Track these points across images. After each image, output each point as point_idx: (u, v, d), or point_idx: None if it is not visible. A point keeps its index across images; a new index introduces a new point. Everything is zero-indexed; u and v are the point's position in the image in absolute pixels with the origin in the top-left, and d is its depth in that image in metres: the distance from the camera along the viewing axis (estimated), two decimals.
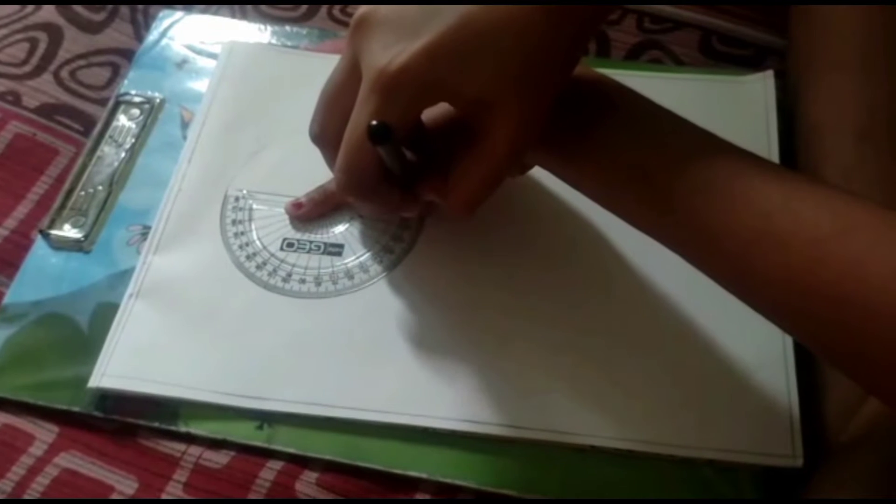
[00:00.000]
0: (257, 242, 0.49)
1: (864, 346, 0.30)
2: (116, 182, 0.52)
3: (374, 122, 0.34)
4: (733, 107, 0.52)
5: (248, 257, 0.49)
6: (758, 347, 0.44)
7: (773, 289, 0.33)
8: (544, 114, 0.37)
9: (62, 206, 0.51)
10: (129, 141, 0.54)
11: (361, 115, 0.36)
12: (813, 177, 0.36)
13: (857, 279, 0.30)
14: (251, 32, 0.59)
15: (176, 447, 0.44)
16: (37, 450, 0.44)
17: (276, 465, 0.43)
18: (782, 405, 0.42)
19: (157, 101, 0.55)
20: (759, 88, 0.53)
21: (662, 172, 0.35)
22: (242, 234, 0.50)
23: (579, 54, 0.37)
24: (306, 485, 0.43)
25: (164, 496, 0.42)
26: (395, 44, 0.34)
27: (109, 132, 0.54)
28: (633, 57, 0.58)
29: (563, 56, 0.36)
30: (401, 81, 0.34)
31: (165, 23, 0.59)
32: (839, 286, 0.30)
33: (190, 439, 0.44)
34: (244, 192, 0.51)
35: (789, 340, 0.44)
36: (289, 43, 0.58)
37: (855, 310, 0.30)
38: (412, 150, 0.40)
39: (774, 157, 0.50)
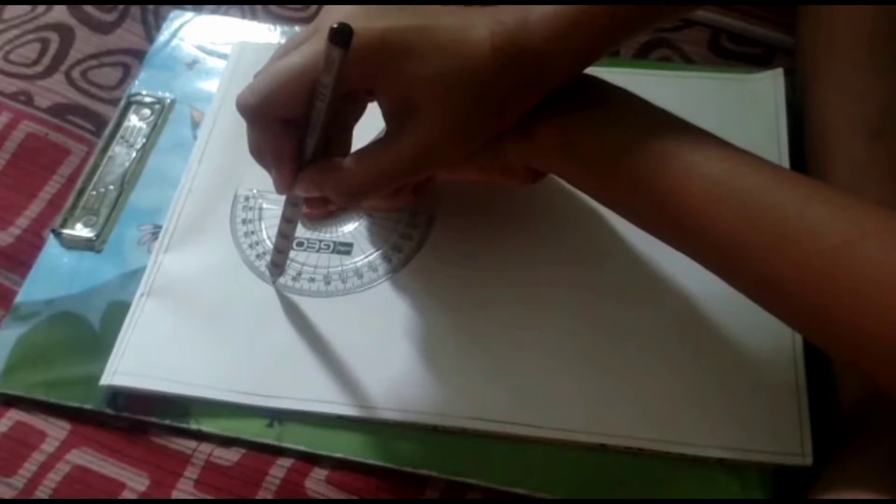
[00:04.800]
0: (267, 241, 0.50)
1: (881, 348, 0.31)
2: (128, 182, 0.53)
3: (338, 23, 0.34)
4: (743, 105, 0.52)
5: (258, 256, 0.49)
6: (767, 346, 0.43)
7: (790, 294, 0.33)
8: (465, 143, 0.37)
9: (74, 206, 0.52)
10: (140, 141, 0.54)
11: (302, 51, 0.36)
12: (825, 184, 0.37)
13: (873, 284, 0.31)
14: (261, 33, 0.59)
15: (187, 444, 0.44)
16: (49, 447, 0.44)
17: (287, 462, 0.43)
18: (792, 404, 0.42)
19: (168, 101, 0.56)
20: (769, 86, 0.53)
21: (666, 178, 0.36)
22: (252, 233, 0.50)
23: (521, 106, 0.37)
24: (316, 482, 0.43)
25: (174, 493, 0.43)
26: (358, 20, 0.35)
27: (121, 132, 0.55)
28: (643, 55, 0.58)
29: (501, 97, 0.36)
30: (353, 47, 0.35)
31: (176, 23, 0.60)
32: (855, 291, 0.31)
33: (201, 437, 0.44)
34: (254, 191, 0.51)
35: (799, 339, 0.44)
36: None
37: (871, 314, 0.31)
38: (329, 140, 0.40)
39: (784, 155, 0.50)
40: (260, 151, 0.40)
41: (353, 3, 0.36)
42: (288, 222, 0.44)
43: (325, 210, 0.50)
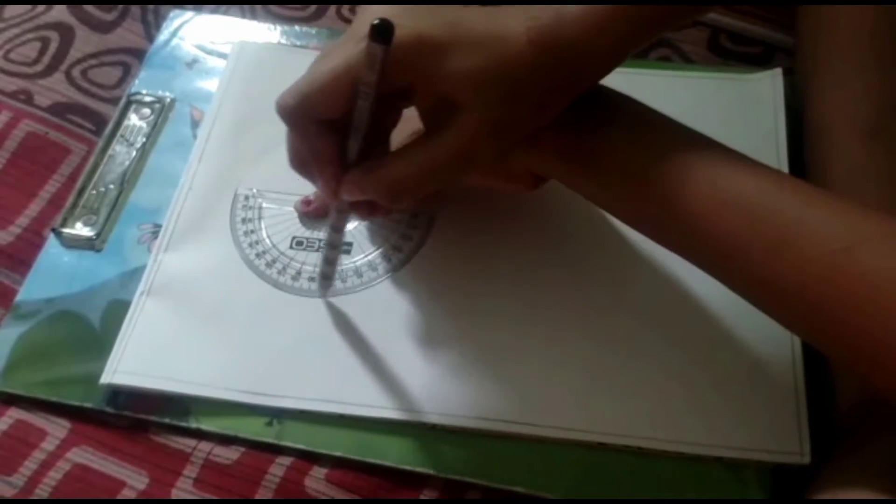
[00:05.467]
0: (267, 241, 0.50)
1: (879, 351, 0.32)
2: (128, 181, 0.53)
3: (379, 19, 0.34)
4: (742, 105, 0.52)
5: (257, 255, 0.49)
6: (766, 345, 0.44)
7: (789, 298, 0.34)
8: (506, 140, 0.37)
9: (74, 205, 0.52)
10: (140, 140, 0.54)
11: (343, 51, 0.36)
12: (824, 189, 0.37)
13: (871, 287, 0.31)
14: (261, 32, 0.59)
15: (186, 443, 0.44)
16: (49, 445, 0.44)
17: (286, 461, 0.43)
18: (790, 403, 0.42)
19: (168, 100, 0.56)
20: (768, 86, 0.53)
21: (667, 183, 0.36)
22: (252, 232, 0.50)
23: (561, 101, 0.37)
24: (315, 481, 0.43)
25: (174, 492, 0.43)
26: (394, 20, 0.35)
27: (121, 131, 0.55)
28: (642, 55, 0.58)
29: (541, 92, 0.36)
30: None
31: (176, 23, 0.60)
32: (855, 295, 0.32)
33: (200, 435, 0.44)
34: (254, 190, 0.52)
35: (797, 338, 0.44)
36: (298, 42, 0.59)
37: (869, 316, 0.31)
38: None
39: (783, 154, 0.50)
40: (301, 158, 0.40)
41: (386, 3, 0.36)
42: (336, 231, 0.44)
43: (327, 207, 0.50)
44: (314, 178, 0.41)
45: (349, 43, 0.36)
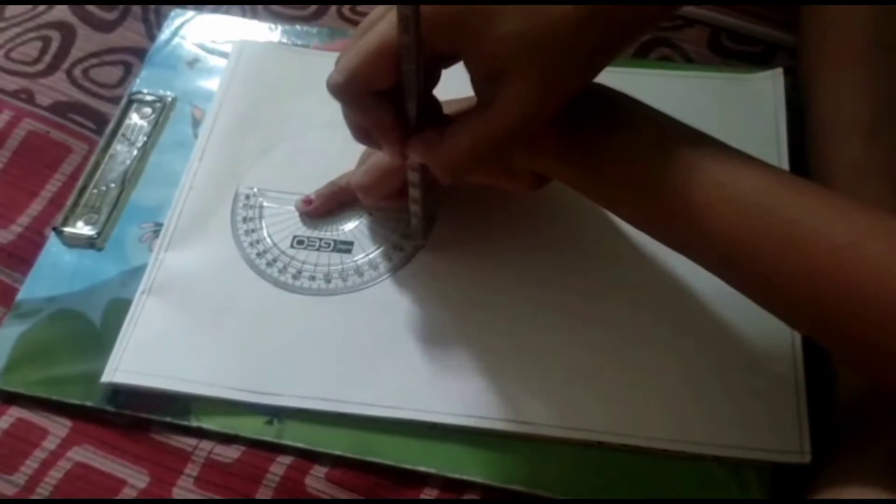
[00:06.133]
0: (268, 240, 0.50)
1: (881, 346, 0.32)
2: (129, 180, 0.53)
3: None
4: (743, 104, 0.52)
5: (258, 254, 0.49)
6: (766, 344, 0.44)
7: (791, 295, 0.34)
8: (558, 102, 0.37)
9: (75, 204, 0.52)
10: (142, 139, 0.54)
11: (383, 21, 0.36)
12: (826, 187, 0.37)
13: (874, 282, 0.32)
14: (262, 31, 0.59)
15: (187, 442, 0.44)
16: (50, 444, 0.44)
17: (286, 460, 0.43)
18: (790, 402, 0.42)
19: (169, 99, 0.56)
20: (769, 86, 0.53)
21: (671, 182, 0.36)
22: (253, 231, 0.50)
23: (608, 56, 0.37)
24: (316, 479, 0.43)
25: (175, 490, 0.43)
26: None
27: (122, 130, 0.55)
28: (643, 54, 0.58)
29: (590, 50, 0.36)
30: (433, 10, 0.34)
31: (177, 22, 0.60)
32: (857, 290, 0.32)
33: (201, 434, 0.44)
34: (255, 189, 0.52)
35: (798, 336, 0.44)
36: (299, 42, 0.59)
37: (872, 312, 0.32)
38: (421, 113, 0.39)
39: (784, 154, 0.50)
40: (363, 130, 0.40)
41: None
42: (415, 188, 0.44)
43: (327, 206, 0.50)
44: (380, 146, 0.41)
45: (389, 12, 0.36)
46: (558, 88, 0.36)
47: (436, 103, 0.41)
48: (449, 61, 0.38)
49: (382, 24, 0.36)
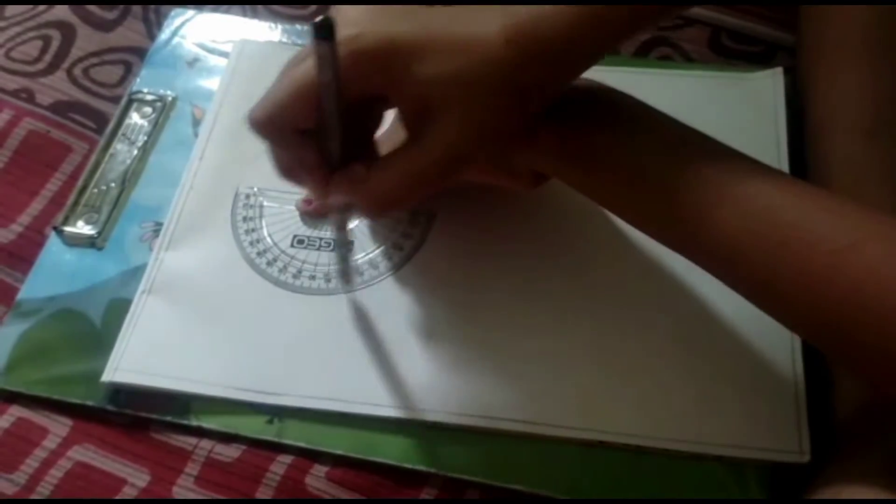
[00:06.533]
0: (268, 239, 0.50)
1: (879, 349, 0.32)
2: (129, 179, 0.53)
3: (320, 17, 0.33)
4: (743, 103, 0.52)
5: (258, 254, 0.49)
6: (766, 343, 0.44)
7: (790, 298, 0.34)
8: (489, 138, 0.37)
9: (76, 203, 0.52)
10: (142, 138, 0.54)
11: (309, 63, 0.35)
12: (825, 189, 0.37)
13: (873, 286, 0.31)
14: (262, 31, 0.59)
15: (187, 441, 0.44)
16: (50, 443, 0.44)
17: (287, 459, 0.43)
18: (790, 401, 0.42)
19: (169, 99, 0.56)
20: (769, 85, 0.53)
21: (670, 184, 0.36)
22: (253, 230, 0.50)
23: (547, 92, 0.37)
24: (316, 479, 0.43)
25: (175, 489, 0.43)
26: (366, 24, 0.35)
27: (122, 130, 0.55)
28: (643, 54, 0.58)
29: (520, 88, 0.36)
30: (354, 52, 0.34)
31: (177, 21, 0.60)
32: (855, 293, 0.32)
33: (201, 433, 0.44)
34: (255, 189, 0.52)
35: (797, 336, 0.44)
36: (299, 41, 0.59)
37: (871, 315, 0.32)
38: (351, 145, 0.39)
39: (783, 153, 0.50)
40: (285, 167, 0.40)
41: (359, 3, 0.36)
42: (340, 230, 0.45)
43: (327, 206, 0.50)
44: (305, 183, 0.41)
45: (310, 50, 0.36)
46: (488, 128, 0.36)
47: (372, 146, 0.40)
48: (386, 102, 0.38)
49: (307, 62, 0.36)
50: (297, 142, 0.38)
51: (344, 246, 0.46)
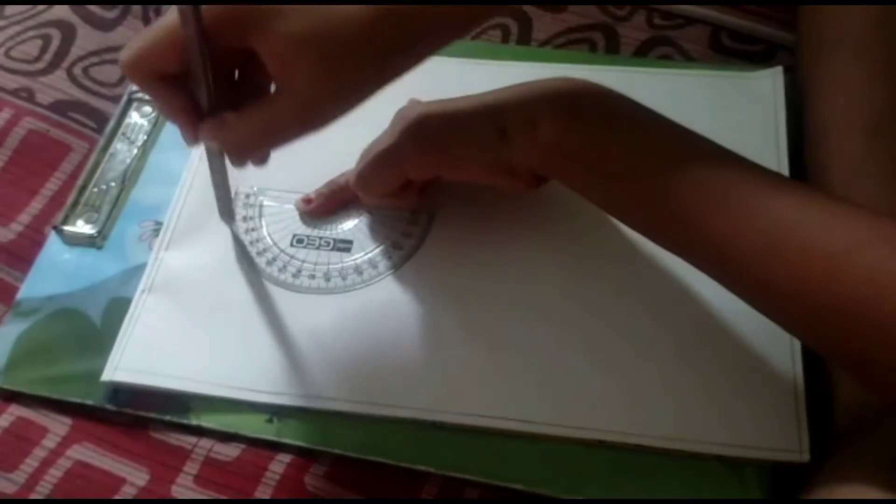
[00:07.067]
0: (267, 239, 0.50)
1: (876, 353, 0.32)
2: (129, 178, 0.53)
3: None
4: (742, 103, 0.52)
5: (258, 253, 0.49)
6: (765, 343, 0.44)
7: (788, 301, 0.34)
8: (346, 94, 0.38)
9: (75, 203, 0.52)
10: (142, 138, 0.54)
11: (174, 14, 0.36)
12: (823, 191, 0.37)
13: (870, 290, 0.31)
14: None
15: (187, 440, 0.44)
16: (50, 442, 0.44)
17: (286, 458, 0.43)
18: (789, 400, 0.42)
19: None
20: (769, 84, 0.53)
21: (667, 186, 0.36)
22: (253, 230, 0.50)
23: (407, 57, 0.38)
24: (315, 478, 0.43)
25: (175, 488, 0.43)
26: None
27: (122, 129, 0.55)
28: (643, 53, 0.58)
29: (381, 49, 0.36)
30: (217, 10, 0.36)
31: None
32: (853, 297, 0.32)
33: (201, 432, 0.44)
34: (254, 188, 0.52)
35: None
36: None
37: (868, 319, 0.31)
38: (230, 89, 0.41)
39: (783, 153, 0.50)
40: (160, 108, 0.42)
41: None
42: (214, 172, 0.46)
43: (327, 206, 0.50)
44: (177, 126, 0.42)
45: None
46: (344, 84, 0.37)
47: (246, 89, 0.41)
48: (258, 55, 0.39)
49: (172, 13, 0.37)
50: (162, 86, 0.39)
51: (219, 186, 0.47)
